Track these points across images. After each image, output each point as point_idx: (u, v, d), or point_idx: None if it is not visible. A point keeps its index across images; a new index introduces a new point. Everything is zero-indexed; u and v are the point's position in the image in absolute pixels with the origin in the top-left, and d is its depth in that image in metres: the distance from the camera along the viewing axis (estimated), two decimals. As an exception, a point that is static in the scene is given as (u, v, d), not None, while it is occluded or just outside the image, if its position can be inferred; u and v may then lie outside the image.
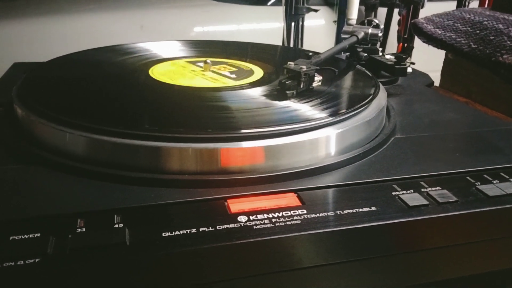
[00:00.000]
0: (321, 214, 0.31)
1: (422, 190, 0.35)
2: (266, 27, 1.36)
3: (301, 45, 1.15)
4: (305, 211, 0.32)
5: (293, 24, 1.12)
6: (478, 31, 0.63)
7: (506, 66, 0.59)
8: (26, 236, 0.28)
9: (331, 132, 0.39)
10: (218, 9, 1.40)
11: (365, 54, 0.61)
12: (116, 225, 0.29)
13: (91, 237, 0.28)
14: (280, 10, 1.12)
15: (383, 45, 1.18)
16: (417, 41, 0.77)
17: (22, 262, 0.25)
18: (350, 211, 0.32)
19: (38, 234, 0.28)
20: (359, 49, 0.61)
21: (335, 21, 1.21)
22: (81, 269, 0.26)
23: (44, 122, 0.38)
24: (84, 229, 0.29)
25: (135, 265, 0.27)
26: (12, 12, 1.20)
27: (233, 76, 0.51)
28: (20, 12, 1.21)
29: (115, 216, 0.30)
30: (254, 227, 0.30)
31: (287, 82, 0.43)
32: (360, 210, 0.32)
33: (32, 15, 1.20)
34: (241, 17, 1.38)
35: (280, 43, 1.12)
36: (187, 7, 1.40)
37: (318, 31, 1.38)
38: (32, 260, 0.26)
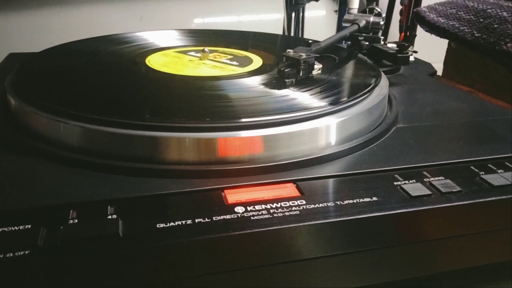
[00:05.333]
0: (321, 205, 0.30)
1: (424, 180, 0.34)
2: (267, 18, 1.35)
3: (302, 36, 1.14)
4: (304, 202, 0.31)
5: (293, 14, 1.10)
6: (481, 19, 0.62)
7: (510, 55, 0.58)
8: (16, 228, 0.27)
9: (332, 121, 0.38)
10: (218, 0, 1.38)
11: (367, 43, 0.60)
12: (109, 216, 0.28)
13: (83, 229, 0.27)
14: (281, 0, 1.10)
15: (385, 34, 1.16)
16: (420, 31, 0.76)
17: (11, 254, 0.25)
18: (351, 201, 0.31)
19: (29, 226, 0.27)
20: (360, 38, 0.60)
21: (336, 11, 1.20)
22: (72, 261, 0.25)
23: (37, 112, 0.37)
24: (76, 221, 0.28)
25: (128, 257, 0.26)
26: (9, 2, 1.19)
27: (235, 63, 0.50)
28: (17, 2, 1.19)
29: (109, 207, 0.29)
30: (252, 218, 0.29)
31: (286, 70, 0.42)
32: (361, 200, 0.31)
33: (29, 5, 1.18)
34: (242, 8, 1.37)
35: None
36: (187, -2, 1.39)
37: (319, 22, 1.36)
38: (21, 252, 0.25)
